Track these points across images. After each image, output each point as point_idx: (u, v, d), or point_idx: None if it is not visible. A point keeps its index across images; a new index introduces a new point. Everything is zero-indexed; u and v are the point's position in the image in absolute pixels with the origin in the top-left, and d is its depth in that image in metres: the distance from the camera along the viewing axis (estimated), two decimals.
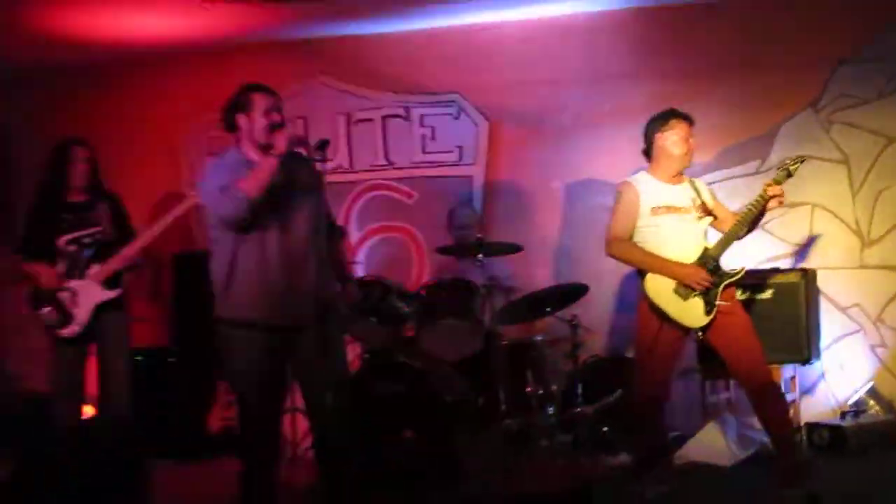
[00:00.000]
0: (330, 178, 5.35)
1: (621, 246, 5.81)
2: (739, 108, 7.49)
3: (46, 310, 6.36)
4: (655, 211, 5.75)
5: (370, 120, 8.39)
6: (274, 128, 5.30)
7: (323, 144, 5.23)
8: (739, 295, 6.70)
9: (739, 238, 5.70)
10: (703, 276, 5.59)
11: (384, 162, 8.39)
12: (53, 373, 6.53)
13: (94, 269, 6.35)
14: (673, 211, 5.75)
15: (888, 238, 7.30)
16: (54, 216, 6.42)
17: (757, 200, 5.60)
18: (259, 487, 5.48)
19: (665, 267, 5.68)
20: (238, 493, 5.50)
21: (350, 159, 8.38)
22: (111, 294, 6.38)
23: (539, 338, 7.15)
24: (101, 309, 6.38)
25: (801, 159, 5.65)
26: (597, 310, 7.57)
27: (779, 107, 7.49)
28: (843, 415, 6.98)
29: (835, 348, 7.32)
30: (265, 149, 5.27)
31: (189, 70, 8.60)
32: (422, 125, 8.31)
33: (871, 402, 7.16)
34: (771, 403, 5.63)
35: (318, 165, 5.25)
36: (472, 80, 8.17)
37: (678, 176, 5.87)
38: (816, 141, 7.40)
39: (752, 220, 5.67)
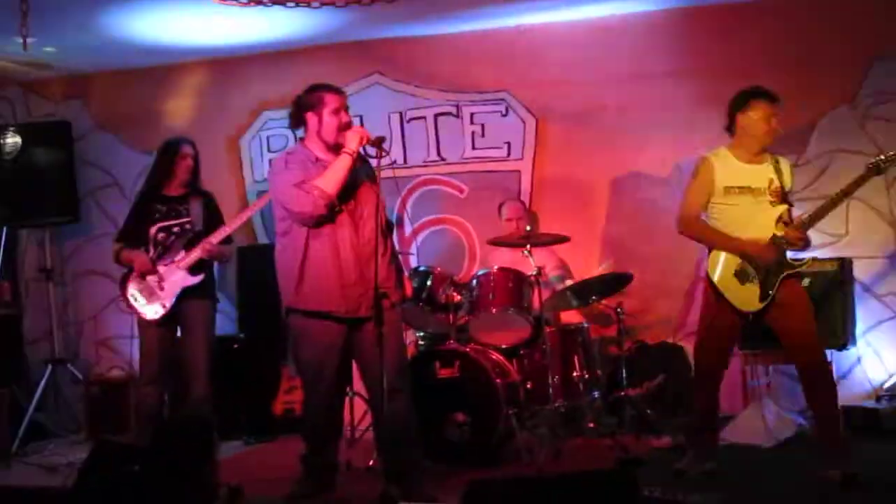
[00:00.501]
0: (385, 173, 5.43)
1: (690, 223, 5.83)
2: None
3: (135, 292, 6.63)
4: (729, 190, 5.72)
5: (422, 118, 8.54)
6: (343, 127, 5.45)
7: (380, 141, 5.40)
8: None
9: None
10: (772, 255, 5.61)
11: (436, 157, 8.55)
12: (141, 355, 6.76)
13: (181, 256, 6.58)
14: (747, 192, 5.71)
15: None
16: (150, 207, 6.69)
17: (840, 193, 5.57)
18: (320, 467, 5.72)
19: (735, 244, 5.68)
20: (300, 472, 5.75)
21: (404, 155, 8.54)
22: (195, 279, 6.57)
23: (585, 324, 7.24)
24: (186, 294, 6.58)
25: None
26: (641, 298, 7.72)
27: (817, 103, 7.57)
28: (879, 398, 7.09)
29: (871, 334, 7.43)
30: (334, 148, 5.43)
31: (250, 72, 8.82)
32: (472, 122, 8.45)
33: None
34: (821, 387, 5.64)
35: (377, 162, 5.39)
36: (519, 79, 8.31)
37: (760, 155, 5.78)
38: (853, 135, 7.49)
39: (826, 213, 5.61)
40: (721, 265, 5.72)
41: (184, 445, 3.77)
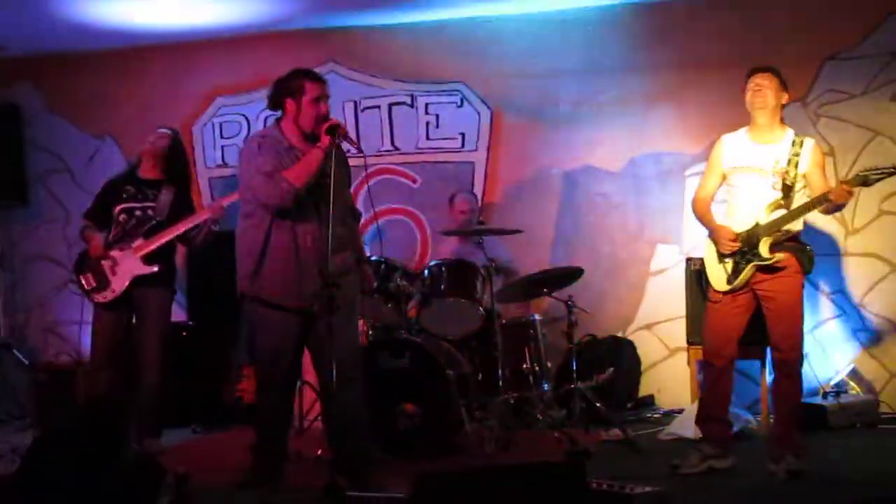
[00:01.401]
0: (355, 161, 5.55)
1: (694, 204, 5.91)
2: (731, 101, 7.49)
3: (88, 275, 6.58)
4: (732, 170, 5.72)
5: (377, 107, 8.54)
6: (321, 118, 5.40)
7: (337, 127, 5.38)
8: None
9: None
10: (728, 242, 5.60)
11: (390, 147, 8.55)
12: (92, 339, 6.73)
13: (139, 242, 6.53)
14: (747, 171, 5.68)
15: (870, 227, 7.50)
16: (120, 186, 6.65)
17: (819, 197, 5.43)
18: (270, 456, 5.70)
19: (709, 225, 5.78)
20: (249, 460, 5.72)
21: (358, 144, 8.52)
22: (149, 269, 6.52)
23: (536, 317, 7.26)
24: (142, 282, 6.53)
25: (890, 172, 5.32)
26: (591, 291, 7.73)
27: None
28: (825, 395, 7.13)
29: (818, 332, 7.52)
30: (310, 137, 5.40)
31: (204, 58, 8.78)
32: (427, 113, 8.47)
33: (852, 384, 7.34)
34: (784, 378, 5.68)
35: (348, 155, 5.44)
36: (475, 71, 8.32)
37: (775, 133, 5.70)
38: (804, 133, 7.48)
39: (808, 212, 5.54)
40: (708, 238, 5.84)
41: (94, 431, 3.75)
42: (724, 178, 5.79)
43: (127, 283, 6.52)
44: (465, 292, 6.81)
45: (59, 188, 8.97)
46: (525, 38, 8.19)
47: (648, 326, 7.94)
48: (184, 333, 8.11)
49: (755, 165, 5.66)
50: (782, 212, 5.54)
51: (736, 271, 5.64)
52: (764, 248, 5.55)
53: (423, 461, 6.04)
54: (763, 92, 5.73)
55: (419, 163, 8.51)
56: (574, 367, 6.94)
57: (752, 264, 5.59)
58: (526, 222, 7.45)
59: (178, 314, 8.33)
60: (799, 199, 5.59)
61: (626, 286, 7.99)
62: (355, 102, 8.57)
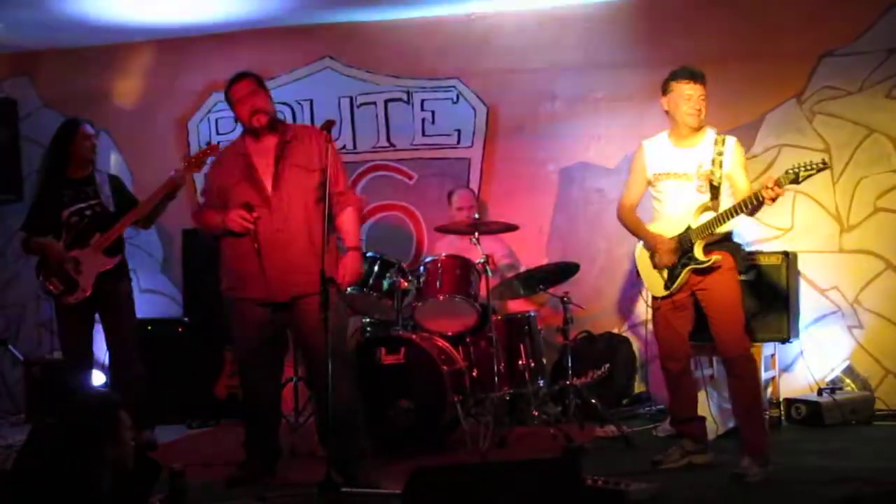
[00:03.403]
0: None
1: (620, 212, 5.89)
2: (727, 98, 7.52)
3: (53, 280, 6.54)
4: (657, 177, 5.70)
5: (373, 103, 8.52)
6: (253, 112, 5.52)
7: (328, 125, 5.41)
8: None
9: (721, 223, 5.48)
10: (668, 254, 5.58)
11: (386, 144, 8.53)
12: (61, 340, 6.77)
13: (96, 238, 6.50)
14: (672, 177, 5.67)
15: (866, 224, 7.49)
16: (57, 192, 6.60)
17: (750, 198, 5.31)
18: (262, 451, 5.74)
19: (643, 234, 5.76)
20: (242, 456, 5.77)
21: (354, 141, 8.52)
22: (112, 261, 6.52)
23: (532, 313, 7.24)
24: (104, 277, 6.52)
25: (819, 168, 5.13)
26: (587, 288, 7.76)
27: (764, 97, 7.65)
28: (821, 391, 7.14)
29: (813, 328, 7.51)
30: (260, 131, 5.55)
31: (200, 53, 8.76)
32: (422, 109, 8.45)
33: (847, 380, 7.36)
34: (733, 379, 5.67)
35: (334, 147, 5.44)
36: (471, 67, 8.32)
37: (695, 136, 5.64)
38: (799, 130, 7.58)
39: (739, 214, 5.42)
40: (640, 246, 5.84)
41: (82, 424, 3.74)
42: (649, 184, 5.78)
43: (94, 280, 6.49)
44: (460, 288, 6.80)
45: None
46: (521, 35, 8.18)
47: (644, 323, 7.92)
48: (179, 329, 8.13)
49: (679, 171, 5.64)
50: (711, 214, 5.51)
51: (672, 276, 5.65)
52: (699, 251, 5.55)
53: (418, 457, 5.98)
54: (697, 104, 5.61)
55: (415, 159, 8.49)
56: (569, 364, 6.95)
57: (687, 268, 5.59)
58: (522, 218, 7.42)
59: (172, 310, 8.37)
60: (725, 200, 5.56)
61: (622, 283, 7.98)
62: (351, 98, 8.55)
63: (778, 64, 7.60)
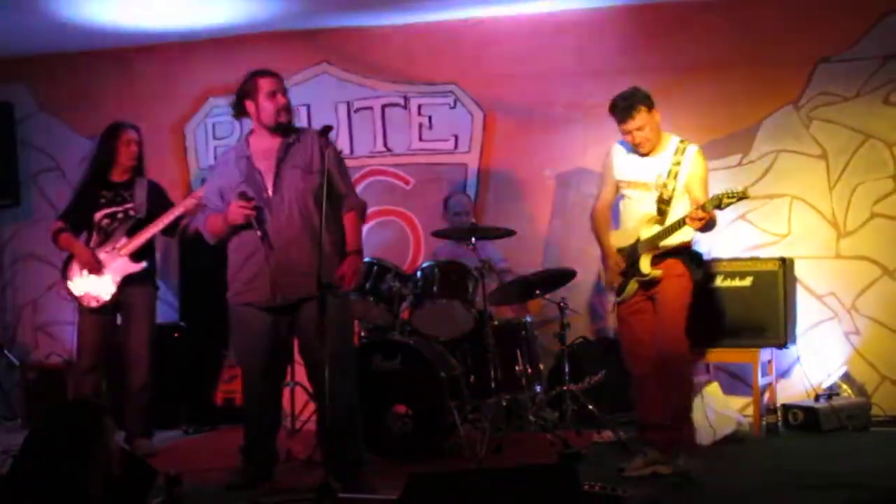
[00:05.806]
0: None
1: (591, 216, 6.02)
2: (723, 104, 7.64)
3: (77, 279, 6.58)
4: (620, 183, 5.81)
5: (370, 108, 8.52)
6: (280, 109, 5.50)
7: (325, 130, 5.41)
8: (721, 281, 7.00)
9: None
10: (615, 276, 5.78)
11: (383, 149, 8.53)
12: (78, 339, 6.75)
13: (122, 242, 6.55)
14: (633, 186, 5.75)
15: (863, 230, 7.48)
16: (95, 192, 6.65)
17: (679, 220, 5.49)
18: (259, 456, 5.72)
19: (602, 248, 5.92)
20: (239, 461, 5.75)
21: (351, 145, 8.52)
22: (137, 267, 6.57)
23: (529, 319, 7.25)
24: (128, 282, 6.56)
25: (740, 196, 5.28)
26: (584, 293, 7.78)
27: (761, 103, 7.64)
28: (818, 397, 7.16)
29: (810, 334, 7.50)
30: (277, 130, 5.51)
31: (196, 58, 8.75)
32: (419, 114, 8.45)
33: (844, 386, 7.33)
34: (673, 377, 5.70)
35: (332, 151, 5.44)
36: (468, 72, 8.31)
37: (659, 144, 5.72)
38: (796, 136, 7.58)
39: (677, 231, 5.54)
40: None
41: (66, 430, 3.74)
42: (613, 187, 5.87)
43: (118, 284, 6.52)
44: (457, 294, 6.79)
45: (51, 188, 8.95)
46: (517, 40, 8.18)
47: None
48: (175, 334, 8.11)
49: (640, 180, 5.73)
50: (658, 228, 5.62)
51: (622, 286, 5.79)
52: (644, 264, 5.66)
53: (415, 463, 6.03)
54: (645, 135, 5.66)
55: (412, 164, 8.48)
56: (566, 370, 6.95)
57: (633, 279, 5.71)
58: (518, 224, 7.44)
59: (169, 315, 8.35)
60: (679, 211, 5.61)
61: None
62: (348, 103, 8.55)
63: (775, 70, 7.60)
